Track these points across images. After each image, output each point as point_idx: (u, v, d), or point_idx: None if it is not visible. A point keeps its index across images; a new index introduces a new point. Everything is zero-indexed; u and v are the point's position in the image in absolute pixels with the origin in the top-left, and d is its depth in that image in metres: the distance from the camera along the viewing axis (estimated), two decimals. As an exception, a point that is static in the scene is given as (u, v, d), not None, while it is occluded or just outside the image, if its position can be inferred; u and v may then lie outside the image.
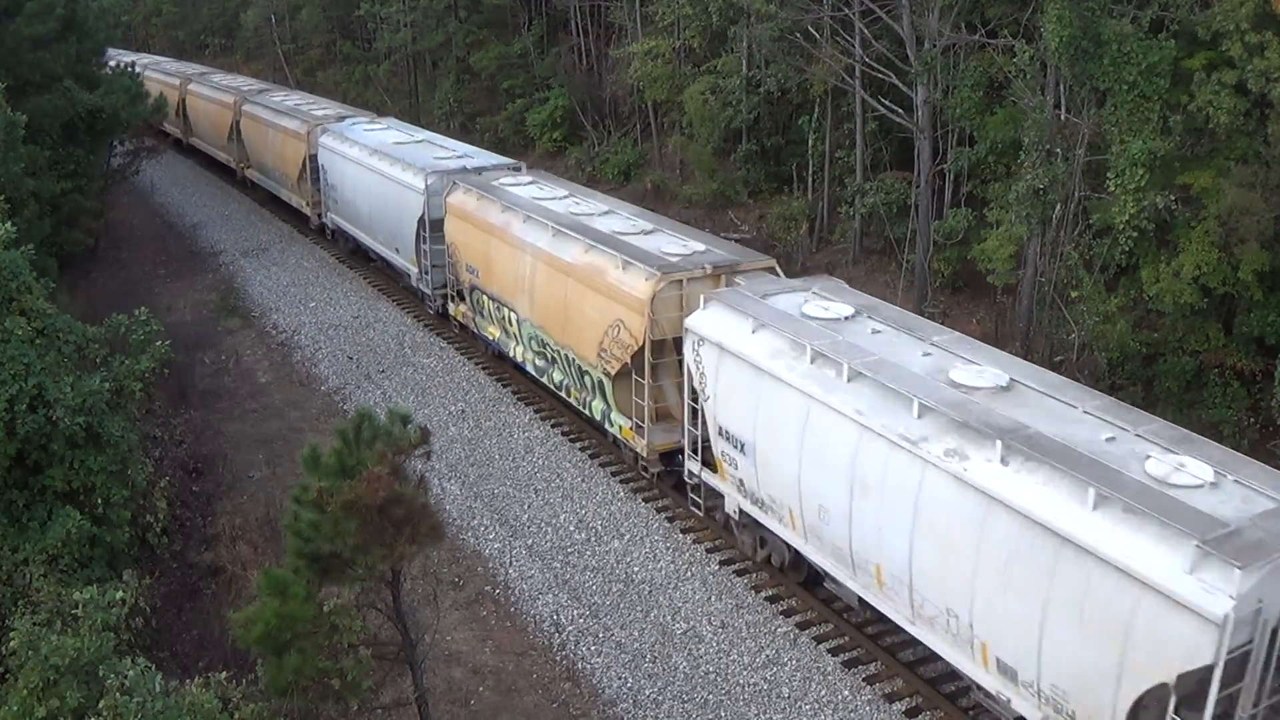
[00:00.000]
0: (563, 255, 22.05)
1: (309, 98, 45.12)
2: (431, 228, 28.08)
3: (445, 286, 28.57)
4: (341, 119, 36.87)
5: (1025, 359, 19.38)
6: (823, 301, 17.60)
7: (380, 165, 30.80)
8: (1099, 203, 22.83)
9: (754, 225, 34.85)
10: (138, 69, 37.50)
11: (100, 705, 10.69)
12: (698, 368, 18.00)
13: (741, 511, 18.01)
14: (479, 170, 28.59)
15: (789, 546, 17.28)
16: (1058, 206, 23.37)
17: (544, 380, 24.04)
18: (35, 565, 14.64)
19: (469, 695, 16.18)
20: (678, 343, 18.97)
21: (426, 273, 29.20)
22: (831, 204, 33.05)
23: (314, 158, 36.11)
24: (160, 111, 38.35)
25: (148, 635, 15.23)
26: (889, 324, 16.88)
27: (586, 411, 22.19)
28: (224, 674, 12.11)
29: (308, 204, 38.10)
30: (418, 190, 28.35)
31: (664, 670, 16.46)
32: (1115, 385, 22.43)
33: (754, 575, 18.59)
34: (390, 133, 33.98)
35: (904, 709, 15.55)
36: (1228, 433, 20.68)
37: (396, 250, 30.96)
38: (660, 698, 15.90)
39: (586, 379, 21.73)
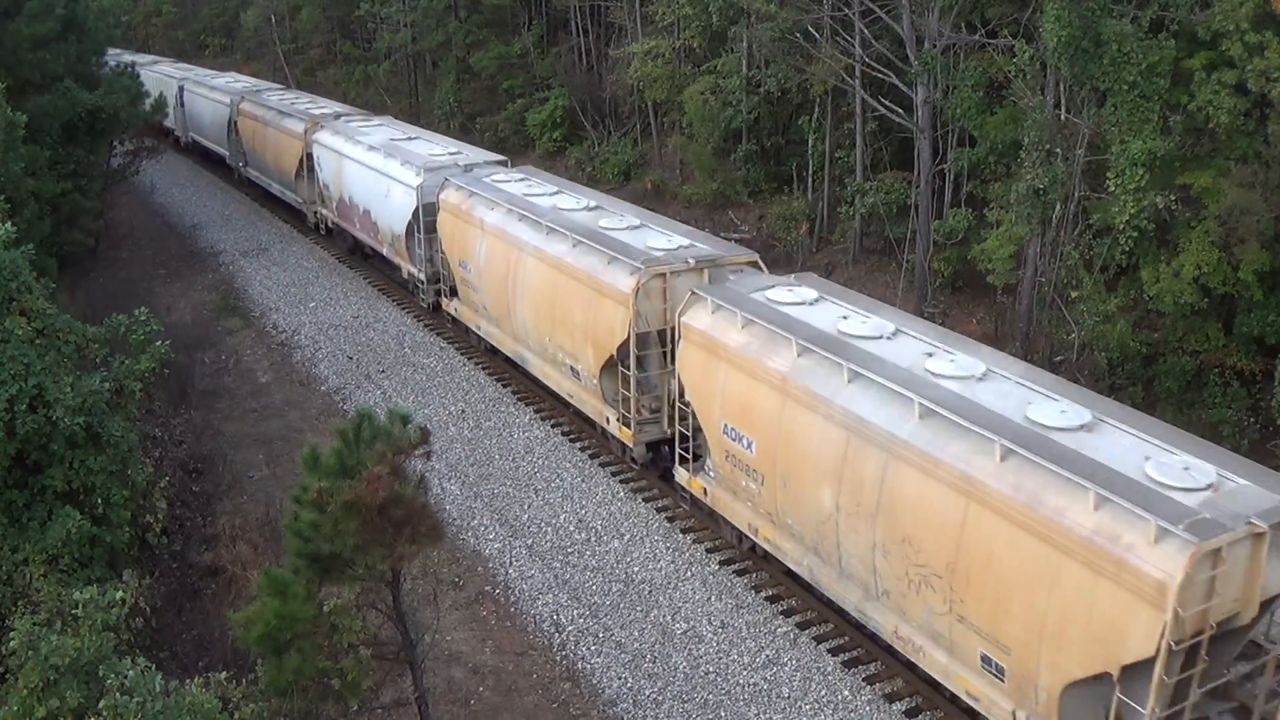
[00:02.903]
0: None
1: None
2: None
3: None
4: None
5: (1026, 359, 19.49)
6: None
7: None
8: (1099, 203, 22.82)
9: (754, 225, 34.85)
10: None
11: (100, 705, 10.69)
12: None
13: None
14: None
15: None
16: (1058, 206, 23.37)
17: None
18: (35, 565, 14.65)
19: (469, 695, 16.19)
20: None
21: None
22: (831, 204, 33.04)
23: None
24: (160, 112, 38.28)
25: (148, 635, 15.21)
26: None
27: None
28: (224, 674, 12.13)
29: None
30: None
31: (664, 670, 16.47)
32: (1115, 385, 22.44)
33: (754, 575, 18.61)
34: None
35: (904, 709, 15.57)
36: (1227, 433, 20.68)
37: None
38: (660, 698, 15.90)
39: None
